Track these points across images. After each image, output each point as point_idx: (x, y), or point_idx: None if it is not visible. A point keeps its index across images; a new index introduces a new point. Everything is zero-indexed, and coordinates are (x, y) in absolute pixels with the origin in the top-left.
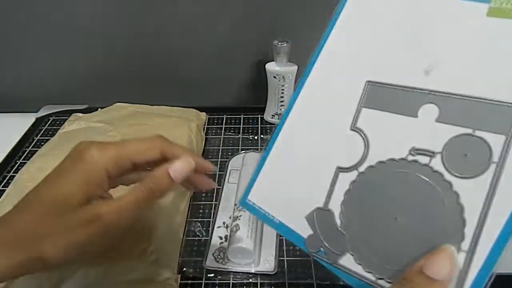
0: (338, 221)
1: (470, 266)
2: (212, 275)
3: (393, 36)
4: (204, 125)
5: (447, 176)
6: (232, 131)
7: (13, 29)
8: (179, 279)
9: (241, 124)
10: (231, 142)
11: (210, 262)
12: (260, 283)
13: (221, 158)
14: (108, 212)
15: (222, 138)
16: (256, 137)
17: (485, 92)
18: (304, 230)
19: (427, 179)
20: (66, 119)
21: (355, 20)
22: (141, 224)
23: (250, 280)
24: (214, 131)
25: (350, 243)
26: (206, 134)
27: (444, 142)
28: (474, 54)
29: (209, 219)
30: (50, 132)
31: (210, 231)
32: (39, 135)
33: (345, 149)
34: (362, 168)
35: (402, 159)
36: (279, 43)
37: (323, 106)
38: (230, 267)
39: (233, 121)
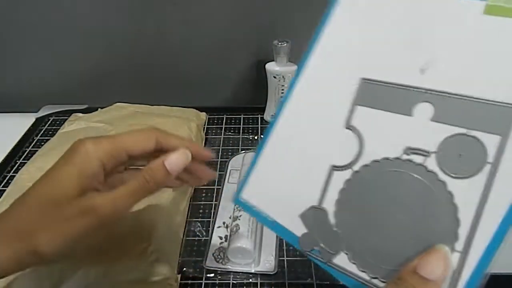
0: (332, 220)
1: (464, 267)
2: (212, 275)
3: (388, 34)
4: (204, 125)
5: (442, 176)
6: (232, 131)
7: (13, 29)
8: (179, 279)
9: (241, 124)
10: (231, 142)
11: (210, 262)
12: (260, 283)
13: (221, 158)
14: (103, 203)
15: (222, 138)
16: (256, 137)
17: (481, 92)
18: (298, 229)
19: (421, 179)
20: (66, 119)
21: (348, 18)
22: (141, 224)
23: (250, 280)
24: (214, 131)
25: (344, 242)
26: (206, 134)
27: (439, 141)
28: (470, 53)
29: (209, 219)
30: (50, 132)
31: (210, 231)
32: (39, 135)
33: (339, 147)
34: (356, 167)
35: (397, 158)
36: (279, 43)
37: (317, 104)
38: (230, 267)
39: (233, 121)
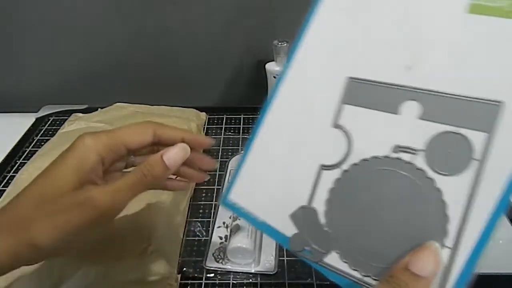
0: (322, 220)
1: (454, 262)
2: (212, 275)
3: (374, 33)
4: (204, 125)
5: (430, 173)
6: (232, 131)
7: (13, 29)
8: (179, 279)
9: (241, 124)
10: (231, 142)
11: (210, 262)
12: (260, 283)
13: (221, 158)
14: (101, 195)
15: (222, 138)
16: None
17: (467, 90)
18: (288, 229)
19: (410, 176)
20: (66, 119)
21: (333, 16)
22: (141, 224)
23: (250, 280)
24: (214, 131)
25: (335, 241)
26: (206, 134)
27: (426, 139)
28: (455, 52)
29: (209, 219)
30: (50, 132)
31: (210, 231)
32: (39, 135)
33: (327, 146)
34: (345, 166)
35: (386, 156)
36: (279, 43)
37: (304, 104)
38: (230, 267)
39: (233, 121)
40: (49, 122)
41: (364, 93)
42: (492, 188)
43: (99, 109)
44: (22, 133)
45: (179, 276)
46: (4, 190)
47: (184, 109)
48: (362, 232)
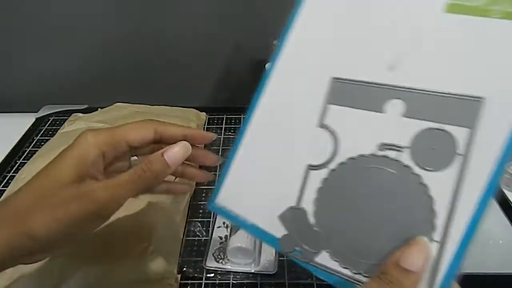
0: (312, 220)
1: (442, 256)
2: (212, 275)
3: (356, 33)
4: (204, 125)
5: (416, 169)
6: (232, 131)
7: (13, 29)
8: (179, 279)
9: (241, 124)
10: (231, 142)
11: (210, 262)
12: (260, 283)
13: None
14: (100, 189)
15: (222, 138)
16: None
17: (448, 87)
18: (278, 231)
19: (397, 173)
20: (66, 119)
21: (317, 16)
22: (141, 224)
23: (250, 280)
24: (214, 131)
25: (325, 241)
26: None
27: (411, 136)
28: (435, 50)
29: (209, 219)
30: (50, 132)
31: (210, 231)
32: (39, 135)
33: (314, 146)
34: (333, 165)
35: (372, 154)
36: None
37: (289, 105)
38: (230, 267)
39: (233, 121)
40: (49, 122)
41: (349, 92)
42: (476, 181)
43: (99, 109)
44: (22, 133)
45: (179, 276)
46: (4, 190)
47: (184, 109)
48: (351, 230)
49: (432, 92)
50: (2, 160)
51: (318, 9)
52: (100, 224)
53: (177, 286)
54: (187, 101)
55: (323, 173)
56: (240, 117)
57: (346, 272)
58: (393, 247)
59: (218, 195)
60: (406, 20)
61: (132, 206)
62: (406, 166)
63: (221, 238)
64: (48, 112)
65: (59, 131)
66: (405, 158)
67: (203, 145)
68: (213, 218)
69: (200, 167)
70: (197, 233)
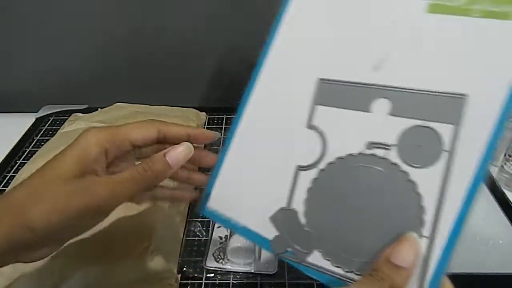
0: (303, 220)
1: (432, 251)
2: (212, 275)
3: (341, 34)
4: (204, 125)
5: (404, 167)
6: None
7: (13, 29)
8: (179, 279)
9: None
10: None
11: (210, 262)
12: (260, 283)
13: None
14: (100, 184)
15: (222, 138)
16: None
17: (433, 85)
18: (269, 232)
19: (385, 171)
20: (66, 119)
21: (302, 17)
22: (141, 224)
23: (250, 280)
24: (214, 131)
25: (316, 240)
26: None
27: (398, 134)
28: (418, 50)
29: (209, 219)
30: (50, 132)
31: (210, 231)
32: (39, 135)
33: (303, 147)
34: (322, 165)
35: (360, 153)
36: None
37: (277, 106)
38: (230, 267)
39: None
40: (49, 122)
41: (335, 93)
42: (462, 177)
43: (99, 109)
44: (22, 133)
45: (179, 276)
46: (4, 190)
47: (184, 109)
48: (342, 229)
49: (417, 90)
50: (2, 160)
51: (303, 10)
52: (100, 220)
53: (177, 286)
54: (187, 101)
55: (312, 173)
56: None
57: (338, 271)
58: (383, 244)
59: (209, 198)
60: (390, 20)
61: (132, 206)
62: (394, 164)
63: (221, 238)
64: (48, 112)
65: (59, 131)
66: (393, 156)
67: (203, 145)
68: None
69: (199, 168)
70: (197, 233)
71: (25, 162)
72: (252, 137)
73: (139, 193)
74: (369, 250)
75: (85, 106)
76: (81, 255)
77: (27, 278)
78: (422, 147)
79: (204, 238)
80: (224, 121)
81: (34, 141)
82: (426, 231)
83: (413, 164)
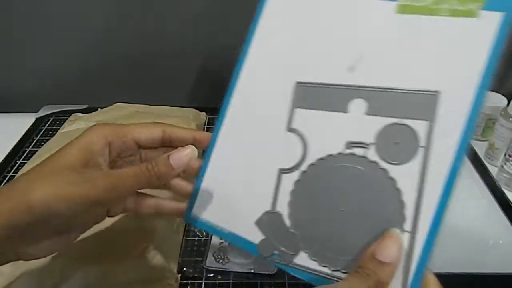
0: (287, 222)
1: (414, 244)
2: (212, 275)
3: (316, 37)
4: (204, 125)
5: (383, 164)
6: None
7: (13, 29)
8: (179, 279)
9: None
10: None
11: (210, 262)
12: (260, 283)
13: None
14: (101, 176)
15: None
16: None
17: (406, 83)
18: (255, 236)
19: (365, 170)
20: (66, 119)
21: (276, 22)
22: (141, 224)
23: (250, 280)
24: None
25: (302, 242)
26: None
27: (375, 133)
28: (391, 49)
29: None
30: (50, 132)
31: None
32: (39, 135)
33: (284, 150)
34: (303, 167)
35: (340, 153)
36: None
37: (256, 110)
38: (230, 267)
39: None
40: (49, 122)
41: (313, 95)
42: (439, 170)
43: (99, 109)
44: (22, 133)
45: (179, 276)
46: None
47: (184, 109)
48: (327, 229)
49: (391, 89)
50: (2, 160)
51: (277, 14)
52: (100, 213)
53: (177, 286)
54: (187, 101)
55: (295, 175)
56: None
57: (325, 270)
58: (368, 241)
59: (193, 206)
60: (363, 21)
61: None
62: (373, 162)
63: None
64: (48, 112)
65: (59, 131)
66: (371, 154)
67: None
68: None
69: None
70: (197, 233)
71: (25, 162)
72: (233, 143)
73: (139, 189)
74: (354, 248)
75: (85, 106)
76: (81, 255)
77: (27, 277)
78: (399, 144)
79: (204, 238)
80: None
81: (34, 141)
82: (407, 225)
83: (391, 161)
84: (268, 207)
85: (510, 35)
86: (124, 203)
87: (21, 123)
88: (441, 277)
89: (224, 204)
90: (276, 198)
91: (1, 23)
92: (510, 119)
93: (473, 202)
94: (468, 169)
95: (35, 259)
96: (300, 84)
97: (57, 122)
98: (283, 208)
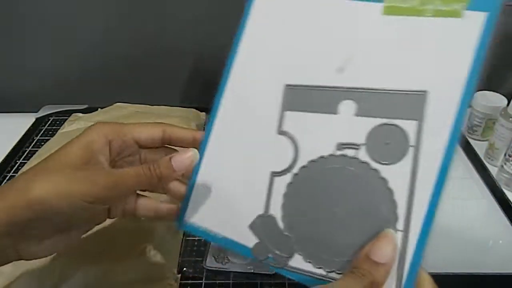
0: (281, 225)
1: (408, 244)
2: (212, 275)
3: (303, 39)
4: (204, 125)
5: (374, 164)
6: None
7: (13, 29)
8: (179, 279)
9: None
10: None
11: (210, 262)
12: (260, 283)
13: None
14: (102, 174)
15: None
16: None
17: (394, 84)
18: (249, 240)
19: (356, 170)
20: (66, 119)
21: (264, 24)
22: (141, 224)
23: (250, 280)
24: None
25: (296, 244)
26: None
27: (365, 133)
28: (378, 50)
29: None
30: (50, 132)
31: None
32: (39, 135)
33: (275, 153)
34: (295, 170)
35: (331, 155)
36: None
37: (247, 114)
38: (230, 267)
39: None
40: (49, 122)
41: (302, 98)
42: (429, 168)
43: (99, 109)
44: (22, 133)
45: (179, 276)
46: None
47: (184, 109)
48: (320, 231)
49: (380, 90)
50: (2, 160)
51: (264, 16)
52: (101, 212)
53: (177, 286)
54: (187, 101)
55: (287, 178)
56: None
57: (320, 271)
58: (362, 241)
59: (186, 212)
60: (350, 23)
61: None
62: (364, 163)
63: None
64: (48, 112)
65: (59, 131)
66: (363, 155)
67: None
68: None
69: None
70: None
71: (25, 162)
72: (224, 146)
73: (139, 189)
74: (348, 249)
75: (85, 106)
76: (81, 255)
77: (27, 277)
78: (389, 144)
79: None
80: None
81: (34, 141)
82: (400, 225)
83: (382, 161)
84: (261, 211)
85: (494, 34)
86: (124, 205)
87: (21, 123)
88: (441, 277)
89: (216, 209)
90: (269, 201)
91: (1, 23)
92: (510, 119)
93: (473, 202)
94: (468, 169)
95: (37, 258)
96: (289, 87)
97: (57, 122)
98: (276, 211)
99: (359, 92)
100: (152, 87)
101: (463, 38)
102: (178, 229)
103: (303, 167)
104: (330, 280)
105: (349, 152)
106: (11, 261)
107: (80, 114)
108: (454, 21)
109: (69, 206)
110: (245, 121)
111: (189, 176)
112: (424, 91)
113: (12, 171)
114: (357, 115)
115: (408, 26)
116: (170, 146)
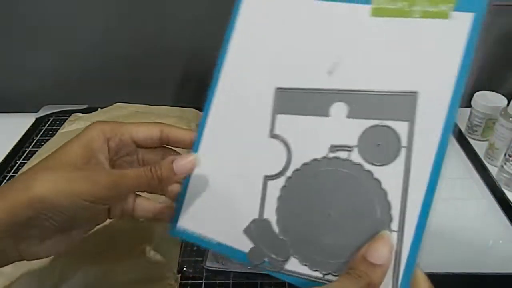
0: (276, 229)
1: (403, 244)
2: (212, 275)
3: (293, 42)
4: None
5: (367, 166)
6: None
7: (13, 29)
8: (179, 279)
9: None
10: None
11: (210, 262)
12: (260, 283)
13: None
14: (103, 174)
15: None
16: None
17: (384, 85)
18: (244, 245)
19: (350, 172)
20: (66, 119)
21: (253, 27)
22: (141, 224)
23: (250, 280)
24: None
25: (292, 247)
26: None
27: (357, 135)
28: (367, 52)
29: None
30: (50, 132)
31: None
32: (39, 135)
33: (268, 157)
34: (289, 173)
35: (324, 157)
36: None
37: (239, 118)
38: (230, 267)
39: None
40: (49, 122)
41: (294, 101)
42: (422, 168)
43: (99, 109)
44: (22, 133)
45: (179, 276)
46: None
47: (184, 109)
48: (316, 233)
49: (370, 91)
50: (2, 160)
51: (253, 19)
52: (101, 212)
53: (177, 286)
54: (187, 101)
55: (280, 181)
56: None
57: (317, 274)
58: (357, 242)
59: (179, 218)
60: (339, 25)
61: None
62: (357, 164)
63: None
64: (48, 112)
65: (59, 131)
66: (355, 156)
67: None
68: None
69: None
70: None
71: (25, 162)
72: (216, 151)
73: (138, 190)
74: (343, 251)
75: (85, 106)
76: (81, 255)
77: (27, 278)
78: (381, 145)
79: None
80: None
81: (34, 141)
82: (395, 225)
83: (375, 163)
84: (255, 215)
85: (481, 34)
86: (124, 205)
87: (21, 123)
88: (440, 277)
89: (210, 214)
90: (263, 205)
91: (1, 23)
92: (510, 119)
93: (473, 202)
94: (468, 169)
95: (38, 259)
96: (280, 90)
97: (57, 122)
98: (271, 215)
99: (350, 94)
100: (152, 87)
101: (451, 38)
102: (172, 235)
103: (297, 170)
104: (327, 282)
105: (342, 154)
106: (13, 262)
107: (80, 114)
108: (441, 22)
109: (69, 204)
110: (236, 125)
111: (181, 182)
112: (415, 92)
113: (12, 171)
114: (349, 117)
115: (396, 28)
116: (168, 146)
